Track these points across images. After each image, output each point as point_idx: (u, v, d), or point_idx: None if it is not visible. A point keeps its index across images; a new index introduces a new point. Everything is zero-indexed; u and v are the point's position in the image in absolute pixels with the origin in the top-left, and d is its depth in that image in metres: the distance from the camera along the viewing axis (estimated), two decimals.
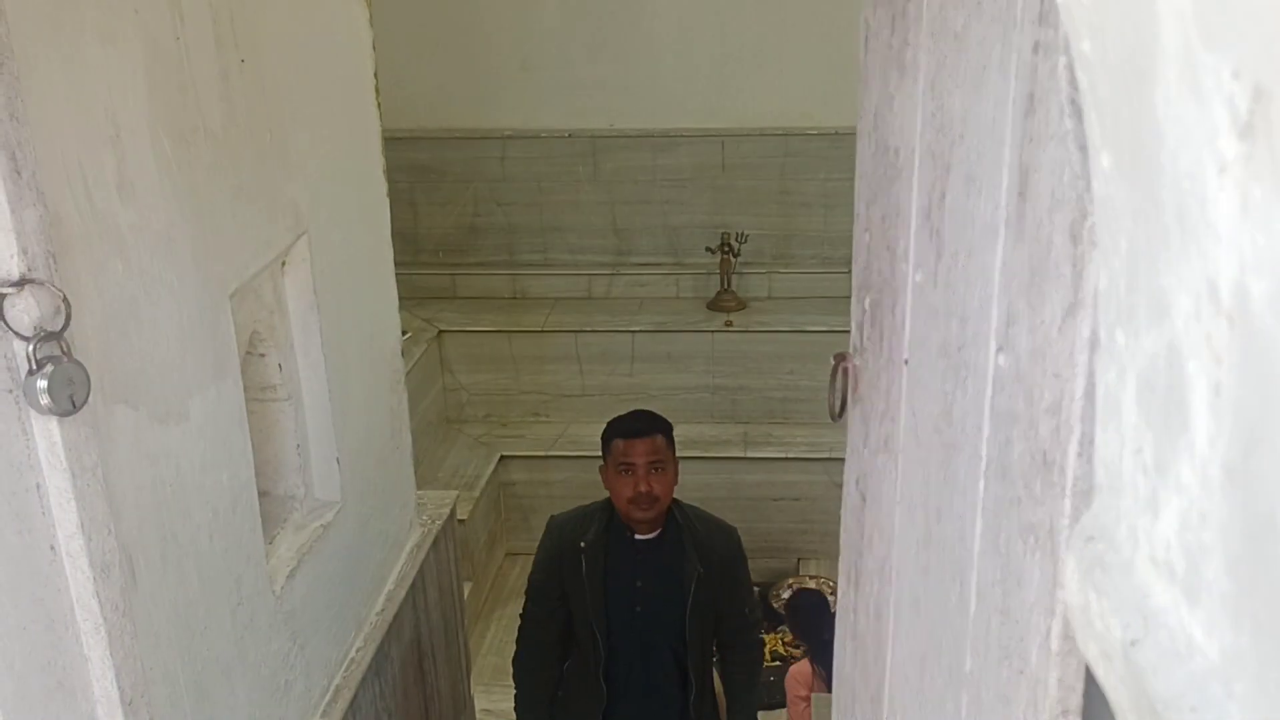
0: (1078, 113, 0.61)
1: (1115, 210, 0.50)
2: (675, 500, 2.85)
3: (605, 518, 2.84)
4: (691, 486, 3.16)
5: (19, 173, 1.18)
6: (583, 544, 2.80)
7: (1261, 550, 0.38)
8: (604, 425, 2.86)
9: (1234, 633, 0.41)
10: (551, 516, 2.94)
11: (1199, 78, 0.36)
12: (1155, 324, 0.45)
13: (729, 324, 4.43)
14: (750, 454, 4.30)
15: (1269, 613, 0.38)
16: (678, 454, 2.87)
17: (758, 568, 4.02)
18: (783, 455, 4.28)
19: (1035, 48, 0.69)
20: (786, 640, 3.98)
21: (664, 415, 2.86)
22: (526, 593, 2.95)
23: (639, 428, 2.79)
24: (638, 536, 2.82)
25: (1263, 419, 0.36)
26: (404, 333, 3.36)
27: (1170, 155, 0.40)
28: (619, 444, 2.78)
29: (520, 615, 2.95)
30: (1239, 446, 0.39)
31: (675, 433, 2.84)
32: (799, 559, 4.30)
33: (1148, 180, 0.43)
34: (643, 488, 2.73)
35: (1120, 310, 0.51)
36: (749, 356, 4.39)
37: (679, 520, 2.84)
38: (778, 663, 3.82)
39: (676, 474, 2.84)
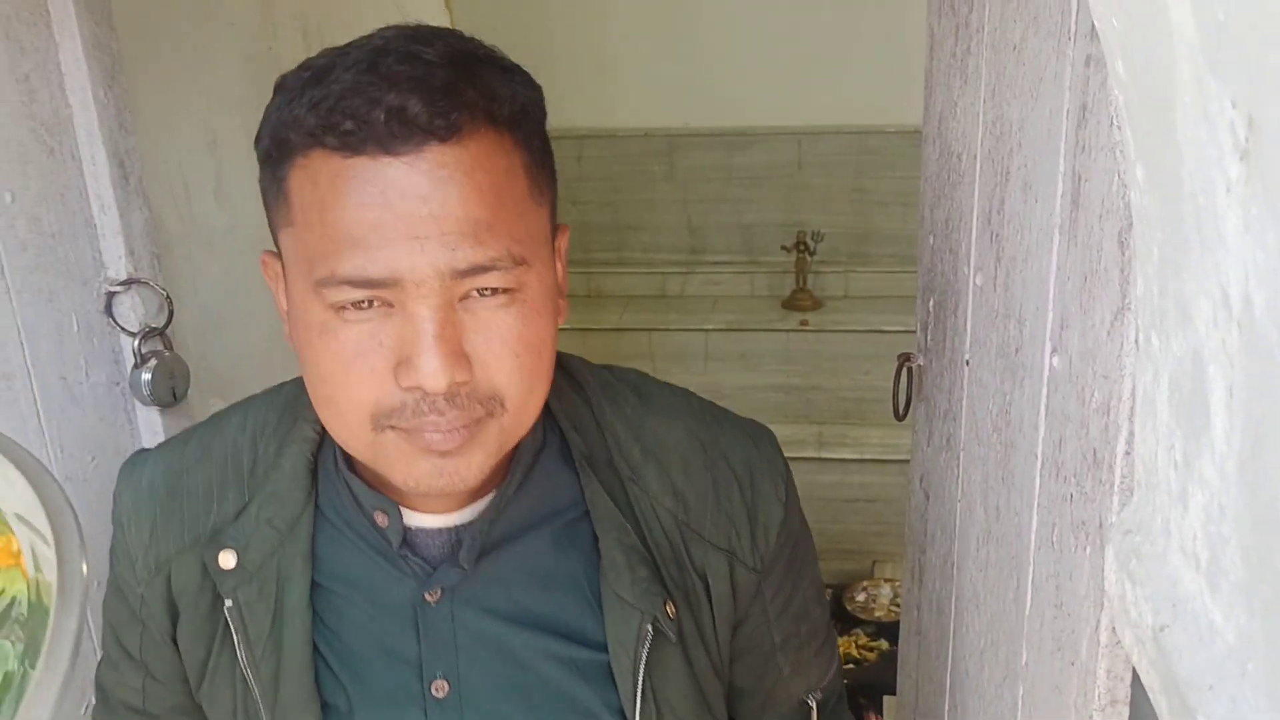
0: (1124, 125, 0.64)
1: (1148, 220, 0.53)
2: (572, 366, 0.92)
3: (306, 454, 0.86)
4: None
5: (127, 179, 1.26)
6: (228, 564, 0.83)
7: (1267, 539, 0.41)
8: None
9: (1248, 616, 0.44)
10: (138, 452, 0.93)
11: (1207, 103, 0.39)
12: (1181, 329, 0.48)
13: (804, 323, 4.42)
14: (824, 455, 4.29)
15: (1275, 596, 0.41)
16: None
17: (831, 570, 3.91)
18: (858, 456, 4.26)
19: (1087, 61, 0.71)
20: (860, 643, 3.91)
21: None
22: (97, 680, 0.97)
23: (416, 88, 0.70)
24: (418, 520, 0.84)
25: (1266, 417, 0.39)
26: None
27: (1188, 172, 0.43)
28: (315, 162, 0.71)
29: None
30: (1249, 443, 0.42)
31: None
32: (874, 561, 4.29)
33: (1171, 193, 0.47)
34: (426, 360, 0.73)
35: (1154, 315, 0.54)
36: (824, 356, 4.38)
37: (583, 440, 0.87)
38: (850, 665, 3.70)
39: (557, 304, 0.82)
